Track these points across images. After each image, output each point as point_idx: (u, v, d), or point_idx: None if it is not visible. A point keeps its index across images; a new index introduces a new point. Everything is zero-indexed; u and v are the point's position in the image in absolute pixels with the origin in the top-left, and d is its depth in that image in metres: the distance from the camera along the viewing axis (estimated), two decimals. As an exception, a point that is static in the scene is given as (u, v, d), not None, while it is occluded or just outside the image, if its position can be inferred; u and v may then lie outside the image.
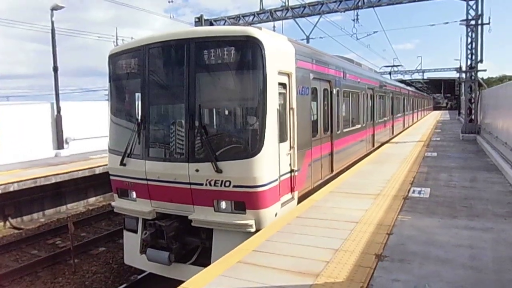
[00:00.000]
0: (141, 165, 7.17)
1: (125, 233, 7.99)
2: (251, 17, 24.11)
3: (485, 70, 32.34)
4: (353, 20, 24.01)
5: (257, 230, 6.31)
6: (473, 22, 19.39)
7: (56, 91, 18.70)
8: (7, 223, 12.73)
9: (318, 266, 4.79)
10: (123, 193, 7.79)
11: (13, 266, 9.42)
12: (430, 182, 9.58)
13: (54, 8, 18.55)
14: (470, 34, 19.80)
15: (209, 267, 4.94)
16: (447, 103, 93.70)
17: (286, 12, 23.34)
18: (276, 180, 6.81)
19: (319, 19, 23.68)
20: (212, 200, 6.60)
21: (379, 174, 10.69)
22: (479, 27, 19.21)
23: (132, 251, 7.77)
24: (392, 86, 23.03)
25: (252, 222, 6.36)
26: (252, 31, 6.59)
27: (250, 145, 6.63)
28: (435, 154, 14.73)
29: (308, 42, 24.02)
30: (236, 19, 24.64)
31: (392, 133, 22.11)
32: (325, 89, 10.09)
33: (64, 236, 11.31)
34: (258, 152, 6.34)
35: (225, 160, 6.42)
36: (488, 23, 19.30)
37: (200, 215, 6.70)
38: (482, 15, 19.08)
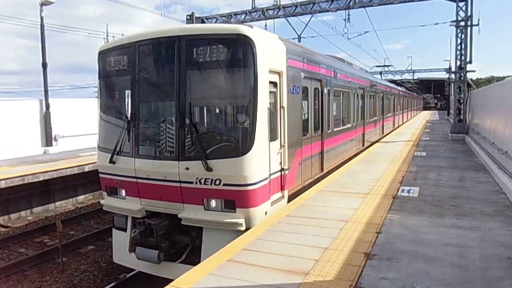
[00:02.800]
0: (131, 163, 7.13)
1: (114, 231, 7.93)
2: (243, 16, 24.08)
3: (474, 71, 32.75)
4: (345, 20, 23.99)
5: (247, 229, 6.30)
6: (462, 24, 19.59)
7: (45, 88, 18.47)
8: (-5, 221, 12.54)
9: (308, 265, 4.80)
10: (112, 191, 7.74)
11: (0, 265, 9.29)
12: (419, 181, 9.66)
13: (44, 3, 18.31)
14: (459, 35, 20.00)
15: (198, 265, 4.93)
16: (436, 103, 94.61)
17: (278, 11, 23.35)
18: (266, 178, 6.81)
19: (310, 18, 23.73)
20: (202, 199, 6.59)
21: (369, 173, 10.76)
22: (469, 29, 19.42)
23: (121, 250, 7.71)
24: (382, 86, 23.10)
25: (242, 220, 6.36)
26: (244, 29, 6.57)
27: (241, 144, 6.60)
28: (424, 153, 14.86)
29: (299, 41, 24.04)
30: (227, 17, 24.58)
31: (382, 132, 22.22)
32: (316, 88, 10.10)
33: (52, 234, 11.16)
34: (248, 151, 6.32)
35: (215, 158, 6.41)
36: (477, 25, 19.54)
37: (190, 213, 6.69)
38: (471, 16, 19.29)
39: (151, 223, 6.74)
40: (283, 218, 6.79)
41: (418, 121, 40.60)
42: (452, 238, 5.69)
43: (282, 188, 7.55)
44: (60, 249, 9.36)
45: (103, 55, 7.81)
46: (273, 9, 23.46)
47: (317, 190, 8.86)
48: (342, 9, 22.37)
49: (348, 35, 26.24)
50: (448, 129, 23.52)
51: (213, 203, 6.56)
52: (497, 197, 8.09)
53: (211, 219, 6.50)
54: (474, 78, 63.04)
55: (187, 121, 6.58)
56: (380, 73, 45.96)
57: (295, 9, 22.87)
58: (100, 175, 7.88)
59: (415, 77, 62.86)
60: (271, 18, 24.03)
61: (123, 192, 7.50)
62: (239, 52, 6.56)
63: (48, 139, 18.28)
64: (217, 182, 6.39)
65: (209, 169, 6.35)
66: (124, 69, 7.44)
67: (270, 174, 6.98)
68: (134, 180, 7.18)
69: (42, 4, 18.35)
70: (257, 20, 23.72)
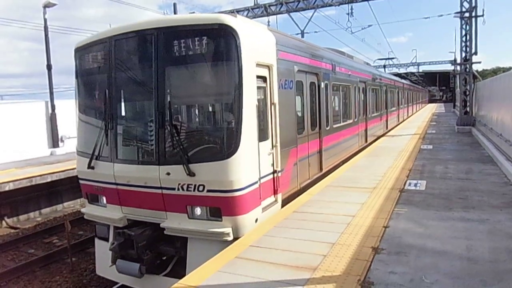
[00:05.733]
0: (110, 168, 6.61)
1: (97, 241, 7.45)
2: (245, 12, 24.01)
3: (479, 62, 32.42)
4: (348, 14, 23.94)
5: (236, 238, 5.79)
6: (467, 15, 19.41)
7: (50, 90, 18.59)
8: (3, 222, 12.66)
9: (316, 260, 4.80)
10: (93, 199, 7.26)
11: (10, 266, 9.38)
12: (426, 175, 9.61)
13: (47, 5, 18.39)
14: (464, 26, 19.83)
15: (206, 262, 4.93)
16: (442, 96, 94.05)
17: (281, 7, 23.28)
18: (256, 182, 6.29)
19: (313, 13, 23.69)
20: (185, 206, 6.10)
21: (375, 168, 10.72)
22: (473, 20, 19.23)
23: (104, 261, 7.05)
24: (386, 79, 22.54)
25: (229, 230, 5.82)
26: (226, 18, 6.03)
27: (225, 145, 6.07)
28: (430, 146, 14.78)
29: (303, 36, 23.98)
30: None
31: (387, 127, 21.76)
32: (312, 83, 9.52)
33: (61, 234, 11.27)
34: (234, 153, 5.80)
35: (197, 162, 5.89)
36: (482, 15, 19.35)
37: (173, 222, 6.19)
38: (476, 7, 19.10)
39: (131, 234, 6.21)
40: (290, 214, 6.78)
41: (423, 114, 40.34)
42: (460, 231, 5.65)
43: (275, 192, 7.03)
44: (69, 249, 9.45)
45: (79, 52, 7.26)
46: (275, 5, 23.39)
47: (323, 185, 8.84)
48: (345, 3, 22.27)
49: (352, 29, 26.22)
50: (454, 122, 23.37)
51: (197, 211, 6.05)
52: (505, 189, 8.03)
53: (195, 229, 5.98)
54: (479, 70, 62.40)
55: (167, 122, 6.05)
56: (384, 66, 45.39)
57: (298, 4, 22.78)
58: (80, 181, 7.38)
59: (420, 70, 62.49)
60: (273, 14, 23.99)
61: (104, 200, 7.00)
62: (221, 44, 5.99)
63: (54, 140, 18.39)
64: (201, 188, 5.87)
65: (191, 174, 5.83)
66: (100, 67, 6.90)
67: (260, 178, 6.47)
68: (114, 186, 6.66)
69: (45, 6, 18.43)
70: (260, 16, 23.67)
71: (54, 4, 18.49)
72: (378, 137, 18.44)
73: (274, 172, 7.00)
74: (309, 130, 9.22)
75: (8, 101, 18.92)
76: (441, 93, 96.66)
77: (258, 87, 6.53)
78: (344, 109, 13.13)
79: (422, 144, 15.60)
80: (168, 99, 6.14)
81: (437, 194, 7.74)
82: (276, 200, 7.06)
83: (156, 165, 6.15)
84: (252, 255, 5.08)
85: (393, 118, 24.62)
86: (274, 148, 7.03)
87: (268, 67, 6.95)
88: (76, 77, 7.44)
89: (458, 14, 19.73)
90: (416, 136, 18.50)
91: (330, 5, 22.17)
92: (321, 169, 9.92)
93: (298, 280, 4.32)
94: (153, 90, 6.19)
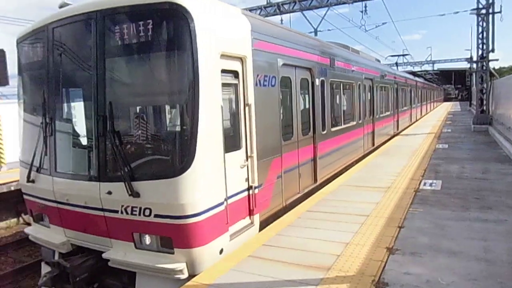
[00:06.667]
0: (49, 182, 5.56)
1: (43, 266, 6.32)
2: (258, 11, 23.98)
3: (496, 60, 31.82)
4: (362, 12, 23.71)
5: (192, 276, 4.69)
6: (484, 11, 19.07)
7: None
8: (20, 219, 12.91)
9: (329, 260, 4.77)
10: (38, 217, 6.20)
11: (27, 261, 9.52)
12: (442, 174, 9.47)
13: (62, 5, 18.62)
14: (480, 23, 19.49)
15: (219, 261, 4.95)
16: (457, 94, 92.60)
17: (294, 5, 23.16)
18: (221, 204, 5.08)
19: (326, 12, 23.50)
20: (131, 233, 4.95)
21: (389, 167, 10.61)
22: (490, 16, 18.89)
23: None
24: (396, 76, 21.04)
25: (182, 266, 4.66)
26: None
27: (175, 159, 4.86)
28: (446, 146, 14.56)
29: (316, 34, 23.85)
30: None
31: (397, 128, 20.48)
32: (303, 79, 8.17)
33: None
34: (187, 168, 4.60)
35: (143, 179, 4.76)
36: (500, 12, 18.98)
37: (118, 252, 5.06)
38: (493, 3, 18.76)
39: (66, 266, 5.11)
40: (303, 213, 6.76)
41: (438, 113, 39.80)
42: (477, 232, 5.56)
43: (250, 213, 5.90)
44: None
45: (21, 44, 6.17)
46: (288, 3, 23.28)
47: (336, 185, 8.79)
48: (359, 1, 22.06)
49: (366, 27, 25.83)
50: (470, 121, 22.98)
51: (146, 239, 4.90)
52: (523, 189, 7.87)
53: (142, 263, 4.81)
54: (496, 67, 61.41)
55: (108, 128, 4.89)
56: (396, 63, 44.36)
57: (311, 2, 22.64)
58: (24, 196, 6.30)
59: (435, 68, 61.62)
60: (287, 13, 23.88)
61: (47, 219, 5.97)
62: (170, 28, 4.80)
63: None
64: (147, 212, 4.73)
65: (134, 194, 4.69)
66: (39, 61, 5.82)
67: (228, 197, 5.26)
68: (55, 204, 5.60)
69: (61, 6, 18.67)
70: (273, 15, 23.59)
71: (68, 4, 18.73)
72: (388, 139, 17.53)
73: (249, 188, 5.87)
74: (299, 135, 7.90)
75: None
76: (456, 92, 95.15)
77: (225, 84, 5.39)
78: (345, 110, 11.65)
79: (438, 143, 15.38)
80: (109, 99, 4.96)
81: (453, 194, 7.62)
82: (252, 222, 5.91)
83: (97, 181, 5.04)
84: (265, 254, 5.08)
85: (404, 118, 23.48)
86: (249, 160, 5.89)
87: (241, 60, 5.76)
88: (18, 73, 6.39)
89: (475, 11, 19.41)
90: (431, 135, 18.26)
91: (344, 3, 21.98)
92: (315, 179, 8.64)
93: (312, 279, 4.30)
94: (92, 89, 5.09)
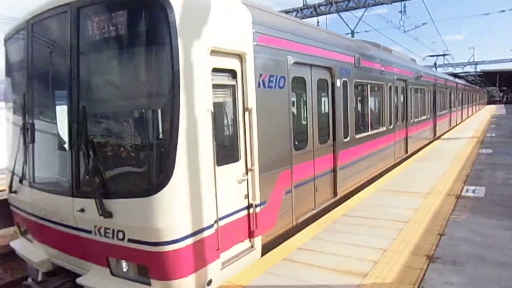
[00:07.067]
0: (28, 194, 5.15)
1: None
2: (294, 13, 23.94)
3: (546, 61, 30.12)
4: (400, 12, 23.14)
5: None
6: (533, 10, 18.10)
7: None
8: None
9: (366, 266, 4.68)
10: (24, 230, 5.76)
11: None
12: (485, 181, 9.06)
13: None
14: (529, 22, 18.51)
15: (254, 263, 4.97)
16: (502, 97, 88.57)
17: (330, 7, 22.97)
18: (210, 227, 4.34)
19: (364, 12, 23.12)
20: (106, 258, 4.35)
21: (428, 172, 10.27)
22: (540, 15, 17.91)
23: None
24: (434, 77, 19.47)
25: None
26: None
27: (151, 174, 4.13)
28: (490, 151, 13.93)
29: (353, 36, 23.51)
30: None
31: (434, 134, 18.90)
32: (321, 80, 7.26)
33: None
34: (164, 186, 3.91)
35: (115, 197, 4.13)
36: (550, 10, 17.94)
37: (93, 278, 4.48)
38: (543, 1, 17.75)
39: None
40: (338, 217, 6.67)
41: (481, 116, 38.17)
42: (524, 242, 5.28)
43: (250, 235, 5.14)
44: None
45: (6, 42, 5.74)
46: (325, 5, 23.11)
47: (372, 189, 8.62)
48: (398, 1, 21.57)
49: (405, 27, 25.15)
50: (516, 124, 21.88)
51: (123, 265, 4.27)
52: None
53: None
54: (546, 68, 58.07)
55: (80, 135, 4.34)
56: (435, 64, 42.15)
57: (348, 3, 22.36)
58: (10, 207, 5.92)
59: (478, 69, 59.14)
60: (323, 14, 23.72)
61: (30, 234, 5.56)
62: (144, 20, 4.11)
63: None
64: (120, 235, 4.10)
65: (105, 214, 4.07)
66: (19, 61, 5.40)
67: (220, 218, 4.52)
68: (34, 219, 5.14)
69: None
70: (309, 17, 23.50)
71: None
72: (424, 146, 16.15)
73: (250, 206, 5.12)
74: (315, 144, 6.99)
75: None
76: (501, 94, 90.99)
77: (218, 86, 4.70)
78: (373, 114, 10.56)
79: (481, 148, 14.75)
80: (82, 103, 4.41)
81: (497, 202, 7.28)
82: (252, 246, 5.15)
83: (70, 196, 4.48)
84: (299, 258, 5.05)
85: (443, 122, 21.83)
86: (249, 173, 5.11)
87: (239, 57, 5.01)
88: (5, 74, 5.99)
89: (523, 10, 18.45)
90: (473, 140, 17.53)
91: (382, 3, 21.55)
92: (335, 193, 7.67)
93: (347, 285, 4.24)
94: (66, 91, 4.57)
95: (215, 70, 4.55)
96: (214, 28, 4.53)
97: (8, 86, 5.97)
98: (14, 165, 5.40)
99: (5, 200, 6.12)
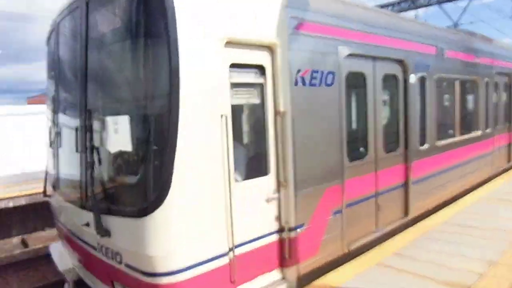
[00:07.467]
0: (55, 198, 5.01)
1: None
2: (390, 7, 22.88)
3: None
4: (513, 0, 20.77)
5: None
6: None
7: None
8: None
9: (469, 278, 4.34)
10: (59, 235, 5.64)
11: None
12: None
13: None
14: None
15: (346, 265, 4.90)
16: None
17: (430, -2, 21.55)
18: (222, 256, 3.71)
19: (469, 3, 21.25)
20: (109, 279, 3.95)
21: (547, 179, 9.13)
22: None
23: None
24: None
25: None
26: None
27: (146, 190, 3.51)
28: None
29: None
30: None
31: None
32: (388, 76, 6.03)
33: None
34: (158, 205, 3.32)
35: (115, 213, 3.64)
36: None
37: None
38: None
39: None
40: (439, 225, 6.26)
41: None
42: None
43: (282, 264, 4.36)
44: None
45: (47, 43, 5.49)
46: (425, -4, 21.75)
47: (477, 196, 7.92)
48: (511, -12, 19.39)
49: (518, 17, 22.51)
50: None
51: None
52: None
53: None
54: None
55: (86, 141, 3.90)
56: None
57: (451, -7, 20.77)
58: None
59: None
60: (422, 7, 22.39)
61: (61, 240, 5.42)
62: (142, 7, 3.52)
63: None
64: (118, 258, 3.64)
65: (102, 232, 3.61)
66: (52, 60, 5.24)
67: (238, 246, 3.86)
68: (61, 225, 4.98)
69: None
70: (407, 10, 22.30)
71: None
72: None
73: (281, 230, 4.33)
74: (378, 153, 5.85)
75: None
76: None
77: (239, 85, 3.97)
78: (462, 116, 8.72)
79: None
80: (89, 106, 4.03)
81: None
82: (283, 278, 4.36)
83: (80, 208, 4.14)
84: (395, 263, 4.86)
85: None
86: (281, 189, 4.30)
87: (269, 49, 4.17)
88: (46, 76, 5.74)
89: None
90: None
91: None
92: (406, 212, 6.42)
93: (448, 297, 3.98)
94: (77, 93, 4.25)
95: (235, 65, 3.84)
96: (232, 14, 3.76)
97: (47, 87, 5.73)
98: (47, 169, 5.39)
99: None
